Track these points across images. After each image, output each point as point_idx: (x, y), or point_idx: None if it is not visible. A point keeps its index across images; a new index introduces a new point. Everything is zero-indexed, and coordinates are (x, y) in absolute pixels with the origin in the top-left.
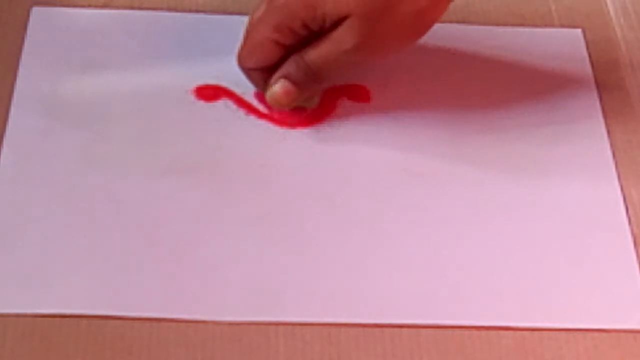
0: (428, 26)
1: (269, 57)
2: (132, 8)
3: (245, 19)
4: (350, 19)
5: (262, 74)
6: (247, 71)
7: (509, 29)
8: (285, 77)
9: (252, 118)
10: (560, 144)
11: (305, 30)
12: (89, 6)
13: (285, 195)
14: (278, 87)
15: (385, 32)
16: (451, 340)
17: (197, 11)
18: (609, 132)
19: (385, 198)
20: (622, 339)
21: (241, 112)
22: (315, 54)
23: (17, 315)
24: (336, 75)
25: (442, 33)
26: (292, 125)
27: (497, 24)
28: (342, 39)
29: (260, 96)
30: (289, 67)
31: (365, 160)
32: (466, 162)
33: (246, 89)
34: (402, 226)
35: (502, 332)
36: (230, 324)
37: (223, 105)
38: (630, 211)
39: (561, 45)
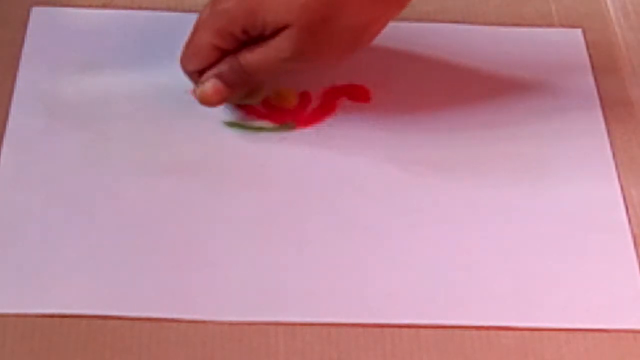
0: (369, 39)
1: (207, 60)
2: (132, 8)
3: None
4: (290, 29)
5: (200, 76)
6: (189, 73)
7: (509, 29)
8: (217, 76)
9: (252, 118)
10: (560, 144)
11: (245, 36)
12: (89, 6)
13: (285, 195)
14: (209, 86)
15: (323, 43)
16: (451, 340)
17: (197, 11)
18: (609, 132)
19: (385, 198)
20: (622, 339)
21: (241, 112)
22: (250, 57)
23: (17, 315)
24: (268, 78)
25: (442, 33)
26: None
27: (497, 24)
28: (279, 47)
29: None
30: (222, 66)
31: (365, 161)
32: (466, 162)
33: None
34: (402, 226)
35: (502, 332)
36: (230, 324)
37: (223, 105)
38: (630, 211)
39: (561, 45)
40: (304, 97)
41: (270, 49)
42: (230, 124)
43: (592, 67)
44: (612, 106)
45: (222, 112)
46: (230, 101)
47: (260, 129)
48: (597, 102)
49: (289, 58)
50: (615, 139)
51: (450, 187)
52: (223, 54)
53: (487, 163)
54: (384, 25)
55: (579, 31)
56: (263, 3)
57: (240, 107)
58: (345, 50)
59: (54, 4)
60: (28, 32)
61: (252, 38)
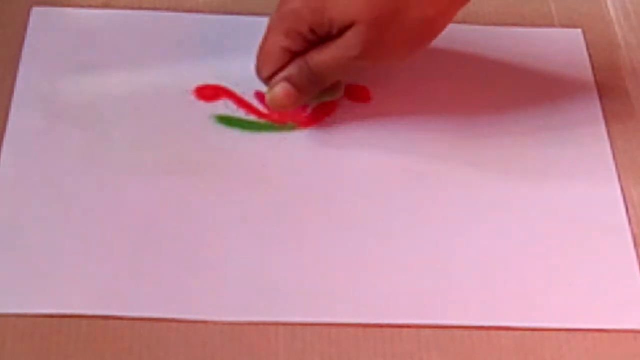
0: (435, 34)
1: (278, 64)
2: (132, 8)
3: (245, 19)
4: (357, 25)
5: None
6: (263, 80)
7: (509, 29)
8: (287, 79)
9: (253, 118)
10: (560, 144)
11: (313, 36)
12: (89, 6)
13: (285, 195)
14: (279, 89)
15: (391, 39)
16: (451, 340)
17: (197, 11)
18: (609, 133)
19: (385, 198)
20: (622, 339)
21: (241, 112)
22: (319, 58)
23: (17, 315)
24: (338, 78)
25: (442, 33)
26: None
27: (497, 24)
28: (347, 45)
29: (261, 96)
30: (291, 69)
31: (365, 161)
32: (466, 162)
33: (246, 89)
34: (402, 226)
35: (502, 332)
36: (230, 324)
37: (223, 105)
38: (630, 211)
39: (561, 45)
40: None
41: (338, 48)
42: (224, 119)
43: (592, 67)
44: (612, 106)
45: (219, 110)
46: (306, 101)
47: (256, 124)
48: (597, 102)
49: (357, 56)
50: (615, 139)
51: (450, 187)
52: (293, 56)
53: (486, 163)
54: (449, 19)
55: (579, 31)
56: (328, 0)
57: (240, 106)
58: (412, 46)
59: (54, 4)
60: (28, 32)
61: (320, 38)
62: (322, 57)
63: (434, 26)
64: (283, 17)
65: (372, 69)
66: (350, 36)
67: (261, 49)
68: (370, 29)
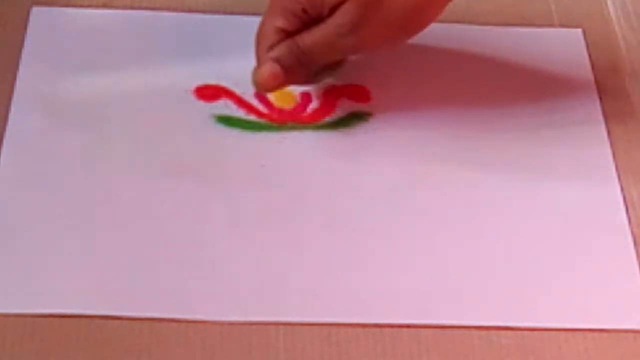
0: (424, 23)
1: (272, 43)
2: (132, 8)
3: (245, 19)
4: (347, 3)
5: None
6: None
7: (509, 29)
8: (275, 59)
9: (253, 118)
10: (561, 144)
11: (306, 16)
12: (89, 6)
13: (285, 195)
14: (266, 69)
15: (379, 21)
16: (451, 340)
17: (197, 11)
18: (609, 133)
19: (385, 198)
20: (622, 339)
21: (241, 112)
22: (308, 37)
23: (17, 315)
24: (326, 60)
25: (442, 33)
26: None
27: (497, 24)
28: (336, 23)
29: (261, 96)
30: (280, 49)
31: (365, 161)
32: (466, 162)
33: (246, 89)
34: (402, 226)
35: (502, 332)
36: (230, 324)
37: (223, 105)
38: (630, 211)
39: (561, 45)
40: (304, 97)
41: (328, 26)
42: (224, 119)
43: (592, 67)
44: (612, 106)
45: (219, 110)
46: (292, 83)
47: (256, 124)
48: (597, 102)
49: (346, 33)
50: (615, 139)
51: (450, 187)
52: (287, 37)
53: (486, 163)
54: (439, 9)
55: (579, 31)
56: None
57: (240, 106)
58: (399, 31)
59: (54, 4)
60: (28, 32)
61: (313, 19)
62: (311, 36)
63: (423, 14)
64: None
65: (368, 66)
66: (339, 15)
67: (258, 30)
68: (359, 8)
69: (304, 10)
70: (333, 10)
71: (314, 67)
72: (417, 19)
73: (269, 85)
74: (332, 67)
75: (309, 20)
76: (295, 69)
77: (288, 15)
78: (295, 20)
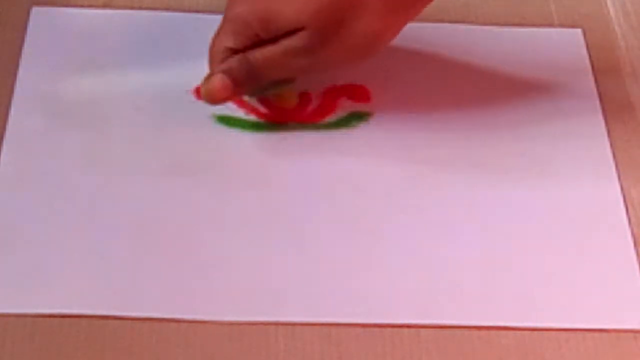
0: (380, 47)
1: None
2: (132, 8)
3: None
4: (303, 31)
5: None
6: None
7: (509, 29)
8: (225, 71)
9: (253, 118)
10: (561, 144)
11: (258, 39)
12: (89, 6)
13: (285, 195)
14: (216, 80)
15: (334, 47)
16: (451, 340)
17: (197, 11)
18: (609, 132)
19: (385, 198)
20: (622, 339)
21: (241, 112)
22: (260, 53)
23: (17, 315)
24: (277, 77)
25: (441, 33)
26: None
27: (497, 24)
28: (290, 45)
29: (261, 96)
30: (230, 62)
31: (364, 161)
32: (466, 162)
33: None
34: (402, 226)
35: (502, 332)
36: (230, 324)
37: (223, 105)
38: (630, 211)
39: (561, 45)
40: (304, 97)
41: (280, 47)
42: (224, 119)
43: (592, 67)
44: (612, 106)
45: (219, 110)
46: (242, 94)
47: (256, 124)
48: (597, 102)
49: (298, 58)
50: (615, 139)
51: (450, 187)
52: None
53: (486, 163)
54: (395, 34)
55: (579, 31)
56: (275, 10)
57: (240, 106)
58: (354, 56)
59: (54, 4)
60: (28, 32)
61: (264, 41)
62: (263, 53)
63: (379, 39)
64: (230, 20)
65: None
66: (294, 39)
67: (210, 48)
68: (315, 36)
69: (257, 35)
70: (288, 33)
71: (264, 82)
72: (373, 45)
73: (218, 96)
74: (285, 80)
75: (261, 42)
76: (245, 81)
77: (239, 37)
78: (247, 41)
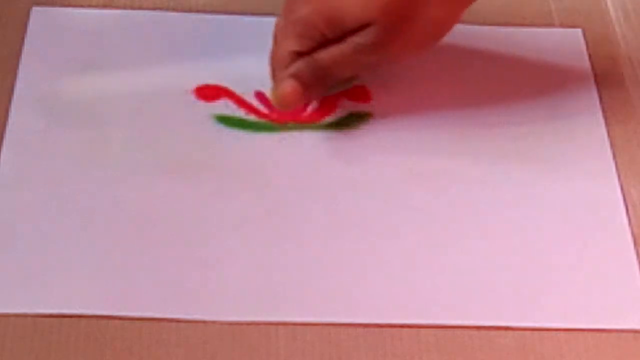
0: (442, 35)
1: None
2: (132, 8)
3: (245, 19)
4: (371, 27)
5: None
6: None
7: (509, 29)
8: (293, 75)
9: (253, 118)
10: (561, 144)
11: (325, 39)
12: (89, 6)
13: (285, 195)
14: (285, 86)
15: (403, 39)
16: (451, 340)
17: (197, 11)
18: (609, 132)
19: (384, 198)
20: (622, 339)
21: (241, 112)
22: (327, 54)
23: (17, 315)
24: (344, 76)
25: None
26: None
27: (497, 24)
28: (358, 41)
29: (261, 96)
30: (298, 66)
31: (364, 160)
32: (466, 161)
33: (246, 89)
34: (402, 226)
35: (502, 332)
36: (230, 324)
37: (223, 105)
38: (630, 211)
39: (561, 45)
40: None
41: (349, 45)
42: (224, 119)
43: (592, 67)
44: (612, 106)
45: (219, 110)
46: (311, 99)
47: (256, 124)
48: (597, 102)
49: (367, 54)
50: (615, 139)
51: (450, 187)
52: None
53: (486, 163)
54: (456, 21)
55: (579, 31)
56: (341, 8)
57: (240, 106)
58: (421, 46)
59: (54, 4)
60: (28, 32)
61: (330, 41)
62: (330, 53)
63: (443, 27)
64: (294, 23)
65: (376, 68)
66: (362, 36)
67: (273, 56)
68: (383, 31)
69: (323, 35)
70: (356, 30)
71: (332, 82)
72: (437, 33)
73: (290, 101)
74: (350, 78)
75: (327, 42)
76: (314, 84)
77: (304, 39)
78: (313, 43)
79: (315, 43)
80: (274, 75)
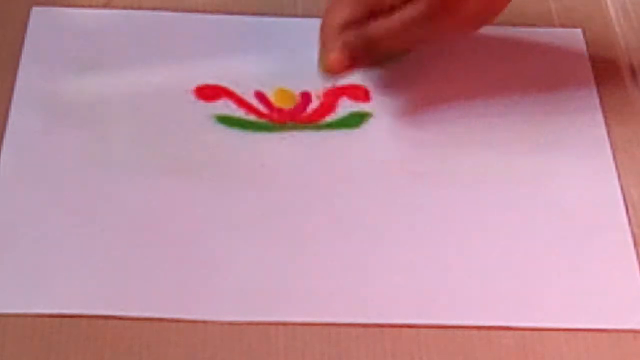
0: (495, 14)
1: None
2: (132, 8)
3: (245, 19)
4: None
5: None
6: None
7: (509, 29)
8: (343, 45)
9: (253, 118)
10: (560, 144)
11: (375, 10)
12: (89, 6)
13: (285, 195)
14: (336, 53)
15: (452, 14)
16: (451, 340)
17: (197, 11)
18: (609, 132)
19: (384, 198)
20: (622, 339)
21: (241, 112)
22: (377, 25)
23: (17, 315)
24: (394, 49)
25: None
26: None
27: (497, 24)
28: (409, 13)
29: (260, 96)
30: (348, 36)
31: (365, 160)
32: (466, 161)
33: (246, 89)
34: (403, 226)
35: (502, 332)
36: (230, 324)
37: (223, 105)
38: (630, 211)
39: (561, 45)
40: (304, 97)
41: (399, 16)
42: (224, 119)
43: (592, 67)
44: (612, 106)
45: (219, 110)
46: (360, 69)
47: (256, 124)
48: (597, 102)
49: (417, 26)
50: (615, 139)
51: (450, 187)
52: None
53: (486, 163)
54: (506, 3)
55: (579, 31)
56: None
57: (240, 106)
58: (472, 24)
59: (54, 4)
60: (28, 32)
61: (382, 11)
62: (381, 24)
63: (495, 6)
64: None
65: (425, 44)
66: (414, 8)
67: (322, 26)
68: (435, 3)
69: (374, 5)
70: (406, 2)
71: (381, 55)
72: (490, 12)
73: (339, 69)
74: (399, 53)
75: (378, 12)
76: (362, 55)
77: (355, 10)
78: (364, 13)
79: (365, 13)
80: (324, 45)
